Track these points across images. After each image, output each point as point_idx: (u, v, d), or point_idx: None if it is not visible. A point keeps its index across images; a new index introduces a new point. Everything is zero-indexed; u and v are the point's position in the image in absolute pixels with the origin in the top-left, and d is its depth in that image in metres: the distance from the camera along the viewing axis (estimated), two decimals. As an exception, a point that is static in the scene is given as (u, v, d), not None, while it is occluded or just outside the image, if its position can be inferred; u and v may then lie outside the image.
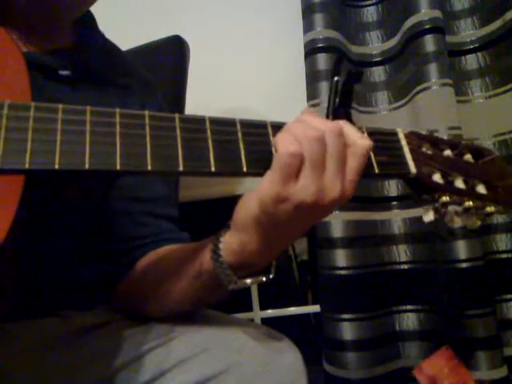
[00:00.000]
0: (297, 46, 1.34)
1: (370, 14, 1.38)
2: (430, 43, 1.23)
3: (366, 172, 0.52)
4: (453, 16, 1.34)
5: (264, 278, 0.56)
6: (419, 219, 1.24)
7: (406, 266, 1.29)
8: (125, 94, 0.76)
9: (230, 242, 0.53)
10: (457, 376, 1.04)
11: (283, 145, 0.47)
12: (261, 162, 0.49)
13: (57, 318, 0.67)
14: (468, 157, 0.63)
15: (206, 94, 1.36)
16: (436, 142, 0.62)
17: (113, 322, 0.68)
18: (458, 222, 0.59)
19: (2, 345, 0.61)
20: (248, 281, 0.55)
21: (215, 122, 0.50)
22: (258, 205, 0.49)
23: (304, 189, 0.47)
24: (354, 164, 0.50)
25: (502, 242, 1.24)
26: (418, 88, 1.24)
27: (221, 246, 0.54)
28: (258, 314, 1.51)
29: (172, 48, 1.24)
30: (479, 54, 1.30)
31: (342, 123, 0.51)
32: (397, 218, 1.30)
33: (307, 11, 1.32)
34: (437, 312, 1.23)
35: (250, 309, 1.51)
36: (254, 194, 0.49)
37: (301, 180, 0.47)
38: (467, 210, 0.58)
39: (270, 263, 0.56)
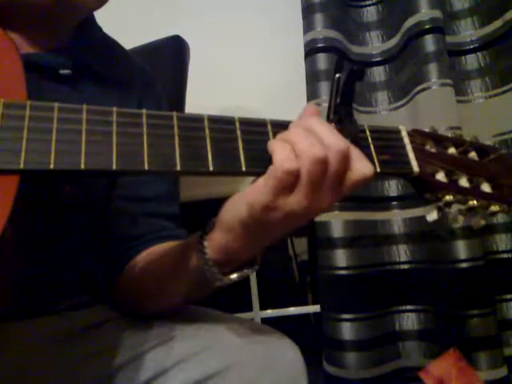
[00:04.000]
0: (297, 46, 1.34)
1: (370, 14, 1.38)
2: (430, 43, 1.23)
3: None
4: (453, 16, 1.34)
5: (250, 271, 0.55)
6: (419, 219, 1.24)
7: (405, 266, 1.28)
8: (124, 91, 0.76)
9: (215, 240, 0.53)
10: (465, 378, 1.03)
11: (281, 159, 0.46)
12: (260, 161, 0.49)
13: (56, 316, 0.67)
14: (473, 154, 0.62)
15: (206, 94, 1.36)
16: (440, 140, 0.61)
17: (112, 320, 0.68)
18: (461, 221, 0.58)
19: (1, 345, 0.61)
20: (234, 276, 0.55)
21: (214, 120, 0.50)
22: (246, 209, 0.48)
23: (296, 202, 0.47)
24: (348, 185, 0.49)
25: (501, 242, 1.24)
26: (418, 88, 1.23)
27: (206, 243, 0.54)
28: (258, 314, 1.51)
29: (172, 48, 1.24)
30: (479, 54, 1.30)
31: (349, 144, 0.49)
32: (397, 218, 1.30)
33: (307, 11, 1.32)
34: (437, 312, 1.23)
35: (250, 309, 1.51)
36: (244, 198, 0.49)
37: (295, 194, 0.47)
38: (471, 209, 0.57)
39: (254, 255, 0.56)
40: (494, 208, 0.58)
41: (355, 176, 0.49)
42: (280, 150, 0.47)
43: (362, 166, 0.49)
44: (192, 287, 0.61)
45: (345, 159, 0.48)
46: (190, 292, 0.62)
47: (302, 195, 0.47)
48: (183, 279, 0.60)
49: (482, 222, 0.59)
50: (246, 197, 0.48)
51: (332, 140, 0.47)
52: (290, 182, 0.46)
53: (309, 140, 0.47)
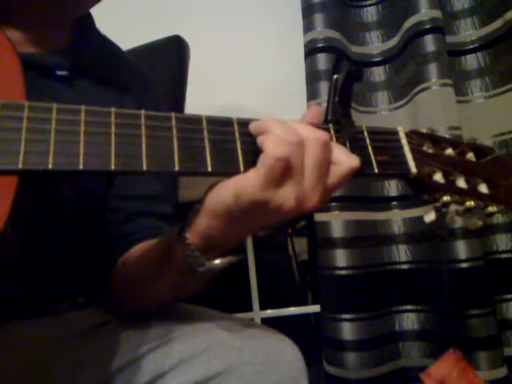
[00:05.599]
0: (297, 46, 1.34)
1: (370, 14, 1.39)
2: (430, 43, 1.23)
3: (365, 172, 0.52)
4: (453, 16, 1.34)
5: (234, 259, 0.55)
6: (419, 219, 1.25)
7: (405, 266, 1.29)
8: (123, 92, 0.76)
9: (198, 226, 0.52)
10: (466, 379, 1.03)
11: (270, 147, 0.46)
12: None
13: (55, 318, 0.67)
14: (470, 155, 0.62)
15: (206, 94, 1.36)
16: (437, 141, 0.61)
17: (110, 322, 0.68)
18: (459, 222, 0.58)
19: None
20: (217, 261, 0.54)
21: (212, 121, 0.50)
22: (233, 198, 0.47)
23: (284, 196, 0.47)
24: (334, 181, 0.49)
25: (501, 242, 1.24)
26: (418, 88, 1.24)
27: (187, 229, 0.53)
28: (257, 314, 1.51)
29: (172, 48, 1.25)
30: (479, 54, 1.31)
31: (330, 139, 0.50)
32: (397, 218, 1.30)
33: (307, 11, 1.32)
34: (437, 312, 1.23)
35: (250, 309, 1.51)
36: (232, 187, 0.48)
37: (283, 186, 0.47)
38: (469, 209, 0.57)
39: (240, 244, 0.55)
40: (492, 209, 0.58)
41: (342, 169, 0.49)
42: (269, 140, 0.47)
43: (347, 159, 0.50)
44: (178, 279, 0.60)
45: (325, 147, 0.48)
46: (178, 286, 0.61)
47: (288, 187, 0.47)
48: (168, 270, 0.59)
49: (479, 223, 0.59)
50: (235, 186, 0.48)
51: (308, 130, 0.49)
52: (280, 170, 0.46)
53: (284, 128, 0.48)
